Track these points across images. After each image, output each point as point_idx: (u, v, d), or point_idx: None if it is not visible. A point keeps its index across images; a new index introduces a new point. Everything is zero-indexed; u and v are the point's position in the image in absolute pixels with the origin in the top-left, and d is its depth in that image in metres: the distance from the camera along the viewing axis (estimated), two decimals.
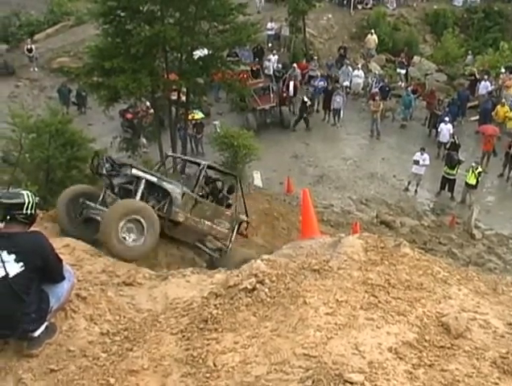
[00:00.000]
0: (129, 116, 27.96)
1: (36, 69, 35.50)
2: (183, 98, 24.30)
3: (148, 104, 26.69)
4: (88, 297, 6.29)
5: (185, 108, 24.57)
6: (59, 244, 9.22)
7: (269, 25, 35.31)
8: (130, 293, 6.78)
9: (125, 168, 12.10)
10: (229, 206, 13.93)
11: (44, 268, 5.18)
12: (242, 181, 22.25)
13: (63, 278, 5.51)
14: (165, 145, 23.52)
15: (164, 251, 13.66)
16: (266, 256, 6.31)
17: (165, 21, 21.99)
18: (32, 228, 5.48)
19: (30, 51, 35.55)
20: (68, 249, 8.68)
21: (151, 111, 26.33)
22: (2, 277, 4.97)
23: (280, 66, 32.81)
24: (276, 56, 33.34)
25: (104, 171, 12.10)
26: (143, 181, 11.78)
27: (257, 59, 33.10)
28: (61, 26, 39.89)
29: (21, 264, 5.01)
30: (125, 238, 10.14)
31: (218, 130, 25.24)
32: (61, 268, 5.47)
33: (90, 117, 29.67)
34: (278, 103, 29.22)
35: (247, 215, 14.65)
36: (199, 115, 26.74)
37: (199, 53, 23.64)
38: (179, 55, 22.96)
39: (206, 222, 12.80)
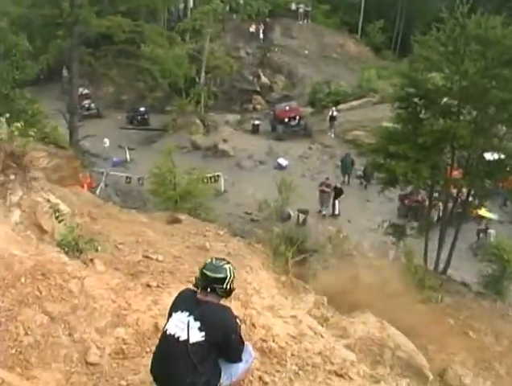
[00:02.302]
0: (407, 202, 27.92)
1: (332, 136, 37.11)
2: (463, 197, 23.50)
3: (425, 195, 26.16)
4: (271, 383, 6.15)
5: (463, 208, 23.63)
6: (288, 312, 9.31)
7: None
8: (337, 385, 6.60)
9: None
10: None
11: (224, 346, 5.10)
12: (503, 299, 20.90)
13: (240, 360, 5.34)
14: (431, 244, 22.90)
15: None
16: None
17: (460, 117, 21.56)
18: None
19: (332, 118, 37.28)
20: (295, 320, 8.69)
21: (427, 203, 25.77)
22: (183, 341, 4.98)
23: None
24: None
25: None
26: None
27: None
28: (366, 100, 41.30)
29: (203, 333, 4.98)
30: None
31: (492, 239, 24.02)
32: (241, 351, 5.30)
33: (371, 193, 29.86)
34: None
35: None
36: (487, 214, 25.83)
37: (489, 156, 22.60)
38: (468, 154, 22.33)
39: None
